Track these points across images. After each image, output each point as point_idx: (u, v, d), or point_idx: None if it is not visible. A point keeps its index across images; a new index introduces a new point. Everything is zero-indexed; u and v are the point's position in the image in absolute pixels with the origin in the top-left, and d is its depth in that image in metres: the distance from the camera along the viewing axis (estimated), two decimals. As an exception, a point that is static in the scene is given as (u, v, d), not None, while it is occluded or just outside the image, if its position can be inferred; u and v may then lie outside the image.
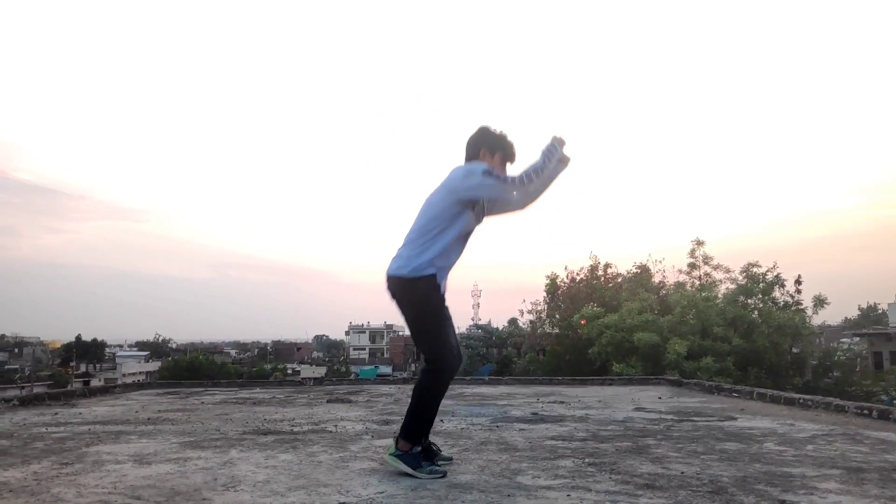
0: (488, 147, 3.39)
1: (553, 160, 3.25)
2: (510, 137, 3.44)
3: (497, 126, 3.47)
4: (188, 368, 41.07)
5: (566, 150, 3.31)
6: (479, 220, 3.35)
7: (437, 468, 3.05)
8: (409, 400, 3.24)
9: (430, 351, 3.17)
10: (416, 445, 3.11)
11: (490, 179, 3.17)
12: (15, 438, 4.44)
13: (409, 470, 3.02)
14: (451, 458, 3.40)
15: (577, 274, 26.00)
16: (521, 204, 3.38)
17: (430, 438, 3.28)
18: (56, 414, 5.96)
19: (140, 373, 61.06)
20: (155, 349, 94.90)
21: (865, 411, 5.31)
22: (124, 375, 57.61)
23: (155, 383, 10.41)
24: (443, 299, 3.24)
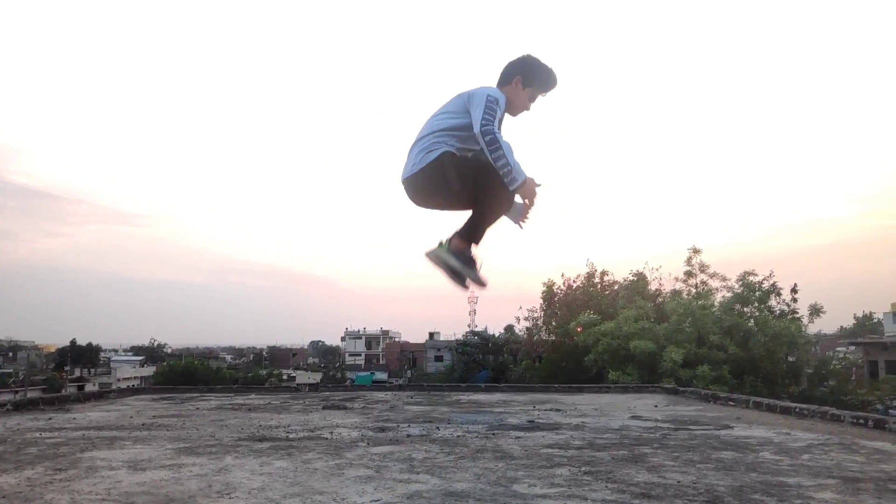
0: (524, 76, 3.04)
1: (506, 175, 2.80)
2: (554, 74, 3.09)
3: (544, 59, 3.10)
4: (183, 374, 40.86)
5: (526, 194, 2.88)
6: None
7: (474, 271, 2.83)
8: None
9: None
10: (469, 248, 2.86)
11: (487, 104, 2.84)
12: (9, 444, 4.41)
13: (458, 265, 2.81)
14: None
15: (574, 281, 26.01)
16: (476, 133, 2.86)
17: None
18: (50, 419, 5.93)
19: (135, 378, 60.85)
20: (150, 354, 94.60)
21: (861, 421, 5.31)
22: (119, 380, 57.37)
23: (150, 388, 10.38)
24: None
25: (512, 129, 3.22)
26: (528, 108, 3.13)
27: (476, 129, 2.83)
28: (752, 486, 3.02)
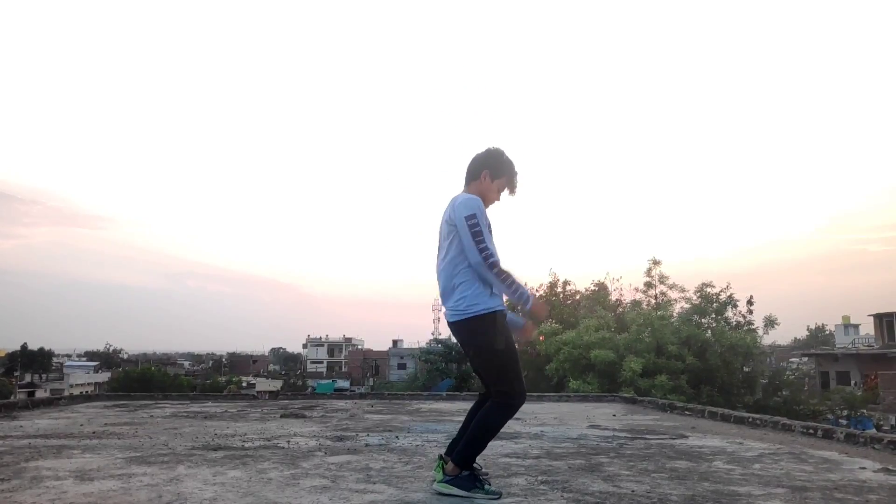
0: (491, 171, 3.21)
1: (516, 297, 3.02)
2: (517, 167, 3.26)
3: (507, 151, 3.28)
4: (139, 380, 39.99)
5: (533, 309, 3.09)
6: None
7: (493, 490, 2.91)
8: (465, 426, 3.16)
9: (503, 384, 3.02)
10: (465, 469, 2.96)
11: (471, 228, 2.98)
12: (-51, 453, 4.25)
13: (464, 493, 2.87)
14: (487, 473, 3.29)
15: (537, 291, 26.21)
16: (474, 266, 3.03)
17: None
18: (-5, 427, 5.72)
19: (89, 384, 59.21)
20: (105, 360, 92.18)
21: (811, 430, 5.45)
22: (72, 386, 55.78)
23: (103, 395, 10.11)
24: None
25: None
26: (497, 200, 3.27)
27: (472, 259, 2.98)
28: (704, 495, 3.07)
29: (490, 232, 3.12)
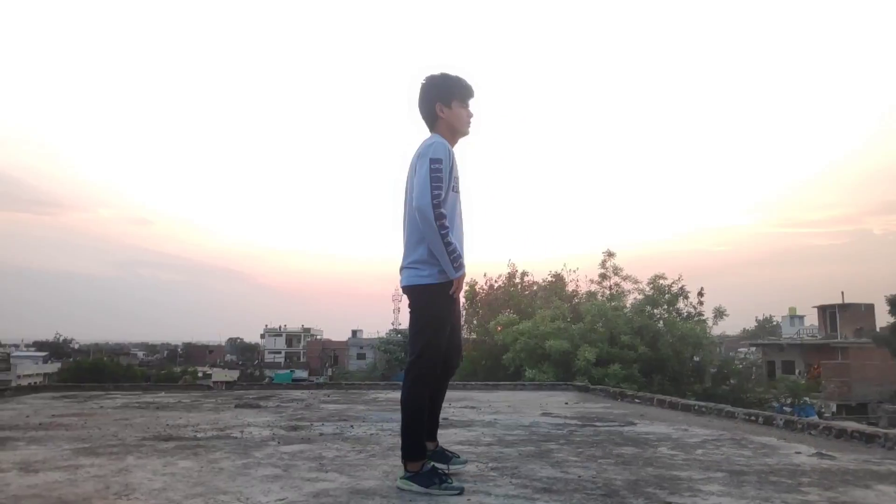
0: (442, 99, 3.02)
1: (450, 260, 2.87)
2: (455, 74, 3.08)
3: (437, 70, 3.08)
4: (91, 370, 39.08)
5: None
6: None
7: (452, 485, 2.81)
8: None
9: (413, 351, 2.95)
10: (424, 461, 2.89)
11: (432, 172, 2.84)
12: None
13: (422, 489, 2.79)
14: (465, 462, 3.31)
15: (496, 281, 26.44)
16: (417, 215, 2.88)
17: (439, 442, 3.25)
18: (-65, 419, 5.55)
19: (38, 374, 57.44)
20: (55, 350, 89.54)
21: (753, 417, 5.67)
22: (19, 377, 54.00)
23: (51, 386, 9.87)
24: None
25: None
26: (469, 119, 3.11)
27: (417, 201, 2.81)
28: (647, 479, 3.19)
29: (455, 190, 2.99)
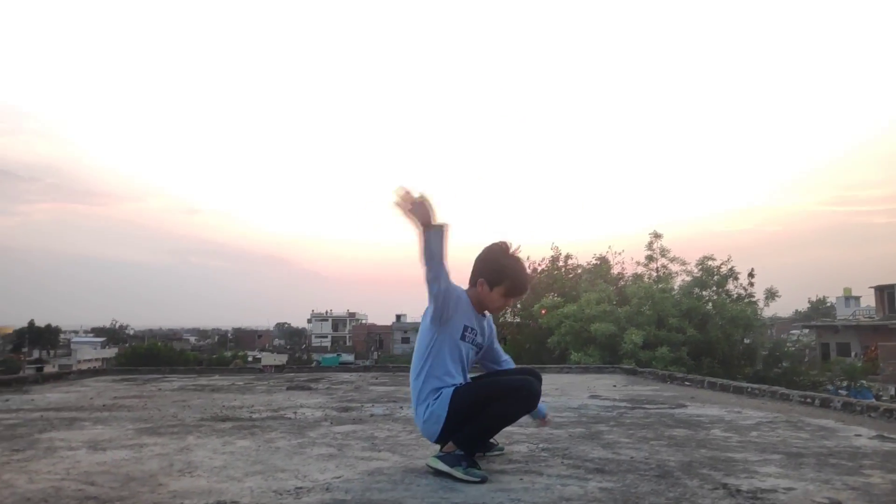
0: (488, 279, 2.99)
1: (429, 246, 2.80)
2: (520, 267, 3.02)
3: (507, 247, 3.03)
4: (146, 355, 40.40)
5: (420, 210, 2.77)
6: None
7: (477, 471, 2.73)
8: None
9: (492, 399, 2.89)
10: (463, 449, 2.85)
11: (431, 306, 2.94)
12: (-36, 425, 4.35)
13: (446, 468, 2.76)
14: (503, 449, 3.32)
15: (539, 265, 26.29)
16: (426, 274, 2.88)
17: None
18: (7, 400, 5.83)
19: (96, 359, 59.79)
20: (112, 335, 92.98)
21: (808, 399, 5.53)
22: (79, 362, 56.34)
23: (111, 370, 10.23)
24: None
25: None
26: (506, 306, 3.17)
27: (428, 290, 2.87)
28: (701, 461, 3.15)
29: (468, 340, 2.99)
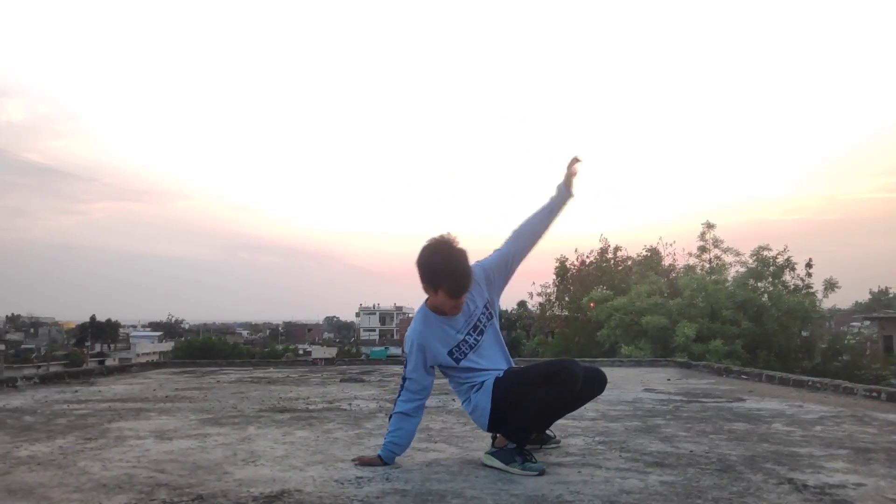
0: (430, 284, 2.84)
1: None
2: (446, 265, 2.76)
3: (436, 243, 2.80)
4: (201, 349, 41.52)
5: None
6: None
7: (533, 464, 2.71)
8: None
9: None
10: (515, 443, 2.84)
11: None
12: (39, 415, 4.56)
13: (502, 465, 2.76)
14: (559, 442, 3.30)
15: (587, 257, 26.01)
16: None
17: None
18: (76, 392, 6.09)
19: (154, 353, 61.72)
20: (168, 329, 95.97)
21: (874, 394, 5.34)
22: (138, 355, 58.26)
23: (171, 362, 10.57)
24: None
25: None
26: (458, 308, 2.87)
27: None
28: (764, 455, 3.08)
29: (426, 351, 2.89)
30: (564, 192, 3.12)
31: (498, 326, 3.08)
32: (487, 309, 2.99)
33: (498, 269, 3.04)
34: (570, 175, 3.12)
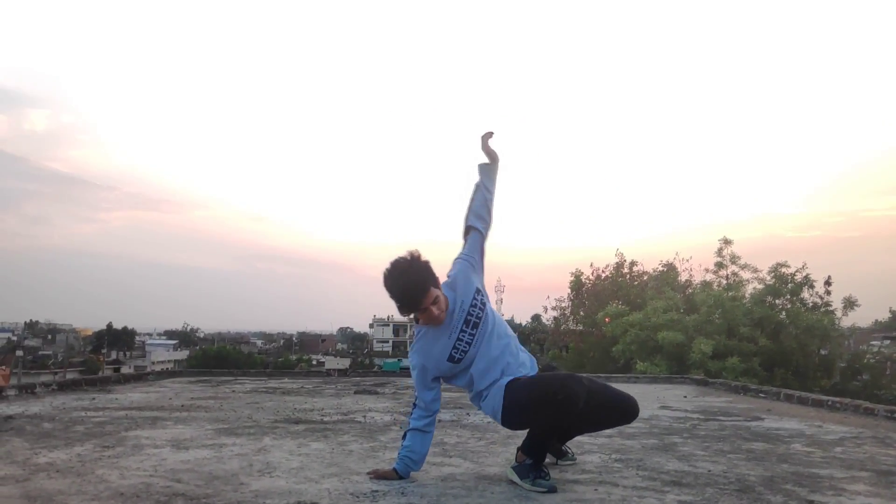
0: (400, 308, 2.89)
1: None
2: (392, 282, 2.81)
3: (389, 267, 2.83)
4: (216, 357, 41.80)
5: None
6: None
7: (545, 481, 2.70)
8: None
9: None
10: (530, 458, 2.84)
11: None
12: (57, 422, 4.60)
13: (517, 479, 2.77)
14: (575, 459, 3.29)
15: (603, 271, 25.89)
16: None
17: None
18: (94, 399, 6.14)
19: (169, 361, 62.18)
20: (183, 338, 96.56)
21: (895, 414, 5.26)
22: (153, 363, 58.73)
23: (186, 371, 10.63)
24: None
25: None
26: (433, 319, 2.82)
27: None
28: (784, 476, 3.04)
29: (426, 369, 2.90)
30: (489, 164, 3.14)
31: (496, 314, 2.98)
32: (477, 298, 2.90)
33: (479, 251, 3.04)
34: (485, 149, 3.14)
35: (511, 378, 2.85)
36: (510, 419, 2.86)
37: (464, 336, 2.84)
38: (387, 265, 2.84)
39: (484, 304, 2.92)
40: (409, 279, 2.77)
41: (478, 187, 3.11)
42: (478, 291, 2.93)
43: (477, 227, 3.06)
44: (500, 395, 2.83)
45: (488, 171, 3.13)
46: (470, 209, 3.10)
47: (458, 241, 3.12)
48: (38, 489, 2.64)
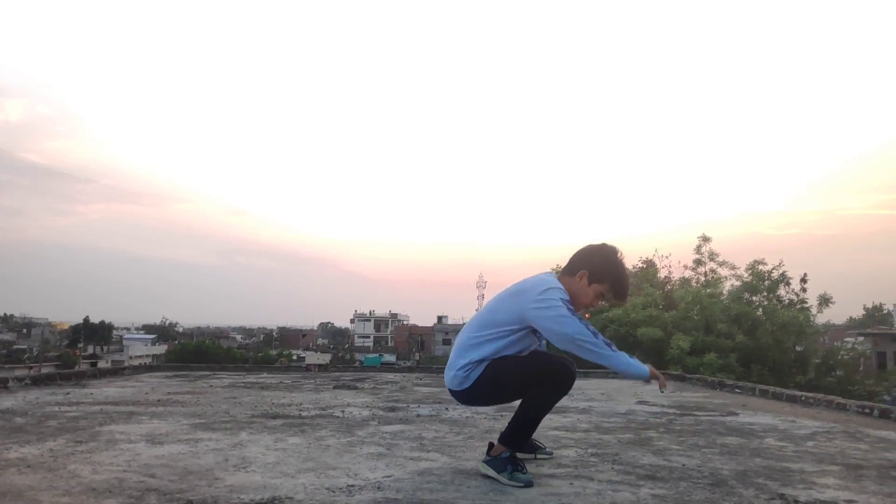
0: (590, 273, 2.91)
1: (630, 373, 2.87)
2: (626, 272, 2.97)
3: (618, 252, 2.96)
4: (195, 352, 41.44)
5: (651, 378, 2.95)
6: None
7: (522, 475, 2.71)
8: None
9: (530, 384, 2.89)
10: (509, 450, 2.83)
11: (563, 313, 2.76)
12: (29, 416, 4.53)
13: (493, 473, 2.77)
14: (551, 454, 3.30)
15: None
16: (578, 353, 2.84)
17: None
18: (68, 394, 6.06)
19: (147, 356, 61.56)
20: (162, 333, 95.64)
21: (867, 410, 5.35)
22: (131, 358, 58.08)
23: (164, 366, 10.52)
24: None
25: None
26: (593, 306, 2.95)
27: (565, 334, 2.73)
28: (756, 470, 3.09)
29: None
30: (644, 378, 2.98)
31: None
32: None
33: (536, 323, 2.87)
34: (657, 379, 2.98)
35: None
36: (479, 389, 2.91)
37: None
38: (609, 249, 2.97)
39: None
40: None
41: (606, 357, 2.81)
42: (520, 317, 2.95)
43: (566, 348, 2.85)
44: (481, 370, 2.89)
45: (631, 373, 2.89)
46: (594, 342, 2.78)
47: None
48: (8, 484, 2.60)
